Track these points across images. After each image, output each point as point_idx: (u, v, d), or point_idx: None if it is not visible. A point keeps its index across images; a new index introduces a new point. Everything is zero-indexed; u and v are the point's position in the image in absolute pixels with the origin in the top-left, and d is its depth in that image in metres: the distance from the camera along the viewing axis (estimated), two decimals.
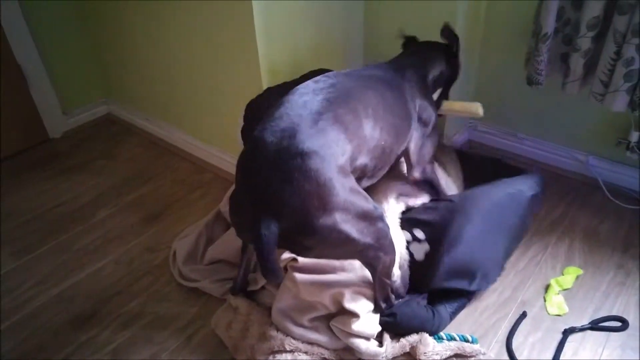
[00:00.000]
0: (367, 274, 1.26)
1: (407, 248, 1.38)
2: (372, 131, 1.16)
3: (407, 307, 1.33)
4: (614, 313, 1.38)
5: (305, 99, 1.09)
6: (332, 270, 1.32)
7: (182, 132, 2.10)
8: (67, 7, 2.18)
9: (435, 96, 1.55)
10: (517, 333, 1.34)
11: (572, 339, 1.32)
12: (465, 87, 1.96)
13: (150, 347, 1.34)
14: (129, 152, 2.21)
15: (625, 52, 1.43)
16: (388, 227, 1.16)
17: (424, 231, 1.38)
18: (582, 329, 1.34)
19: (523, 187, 1.47)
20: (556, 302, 1.41)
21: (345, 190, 1.02)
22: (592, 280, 1.48)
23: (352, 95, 1.15)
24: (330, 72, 1.25)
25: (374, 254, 1.14)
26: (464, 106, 1.59)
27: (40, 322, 1.43)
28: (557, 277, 1.49)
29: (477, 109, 1.54)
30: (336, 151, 1.04)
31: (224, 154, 1.94)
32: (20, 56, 2.10)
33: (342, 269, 1.32)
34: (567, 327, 1.34)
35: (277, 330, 1.31)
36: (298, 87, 1.15)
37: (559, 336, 1.32)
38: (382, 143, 1.19)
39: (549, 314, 1.39)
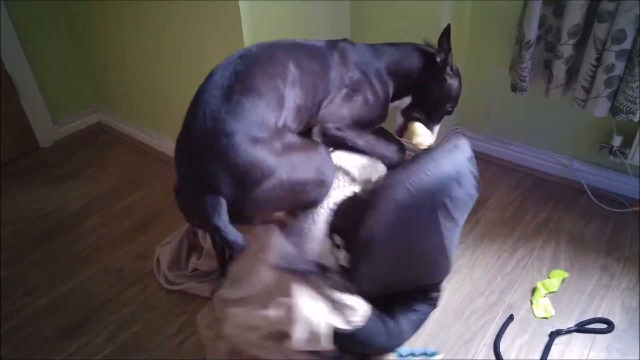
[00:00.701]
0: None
1: (333, 254, 1.23)
2: (287, 92, 1.17)
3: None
4: (599, 315, 1.40)
5: (216, 78, 1.13)
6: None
7: (172, 140, 2.10)
8: (56, 17, 2.19)
9: (402, 103, 1.46)
10: (504, 336, 1.35)
11: (558, 341, 1.34)
12: None
13: (142, 354, 1.35)
14: (119, 160, 2.22)
15: (605, 58, 1.47)
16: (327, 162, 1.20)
17: (340, 236, 1.21)
18: (569, 332, 1.36)
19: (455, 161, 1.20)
20: (543, 305, 1.43)
21: (272, 154, 1.07)
22: (577, 283, 1.51)
23: (262, 61, 1.18)
24: (253, 44, 1.27)
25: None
26: (417, 130, 1.42)
27: (30, 331, 1.43)
28: (544, 280, 1.51)
29: (425, 140, 1.37)
30: (256, 119, 1.08)
31: None
32: (10, 66, 2.10)
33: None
34: (553, 329, 1.36)
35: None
36: (213, 68, 1.19)
37: (546, 339, 1.34)
38: (299, 102, 1.20)
39: (535, 316, 1.41)
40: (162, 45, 1.84)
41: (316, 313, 1.16)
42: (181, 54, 1.79)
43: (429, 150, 1.32)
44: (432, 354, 1.30)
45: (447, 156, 1.20)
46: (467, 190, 1.20)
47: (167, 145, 2.14)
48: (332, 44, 1.35)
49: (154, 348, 1.37)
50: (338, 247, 1.22)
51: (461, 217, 1.23)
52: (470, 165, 1.23)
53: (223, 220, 1.02)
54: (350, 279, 1.21)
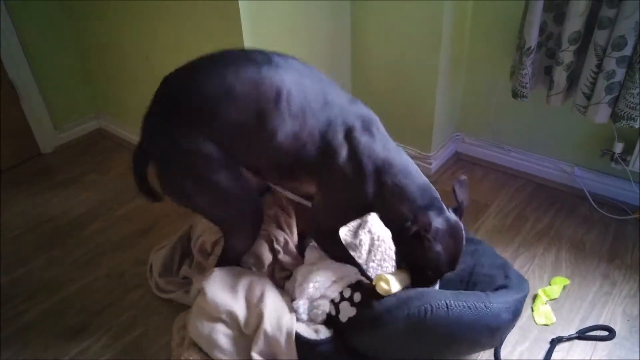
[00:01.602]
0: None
1: (337, 302, 1.23)
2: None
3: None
4: (600, 322, 1.39)
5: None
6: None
7: None
8: (59, 24, 2.20)
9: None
10: (505, 343, 1.34)
11: (559, 348, 1.33)
12: (453, 99, 2.00)
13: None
14: (120, 167, 2.22)
15: (606, 65, 1.47)
16: (248, 210, 1.26)
17: (362, 297, 1.21)
18: (570, 339, 1.35)
19: (506, 306, 1.19)
20: (544, 312, 1.43)
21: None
22: (578, 290, 1.50)
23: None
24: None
25: (227, 230, 1.30)
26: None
27: (32, 335, 1.43)
28: (545, 287, 1.50)
29: (385, 287, 1.18)
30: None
31: None
32: (12, 71, 2.11)
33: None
34: (554, 336, 1.35)
35: (199, 348, 1.29)
36: None
37: (547, 346, 1.34)
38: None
39: (536, 323, 1.41)
40: (163, 51, 1.85)
41: (284, 313, 1.23)
42: (181, 61, 1.79)
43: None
44: None
45: None
46: None
47: None
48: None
49: (154, 353, 1.36)
50: (352, 302, 1.21)
51: None
52: None
53: (139, 169, 1.25)
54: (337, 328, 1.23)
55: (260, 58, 1.14)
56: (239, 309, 1.26)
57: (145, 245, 1.72)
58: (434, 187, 1.22)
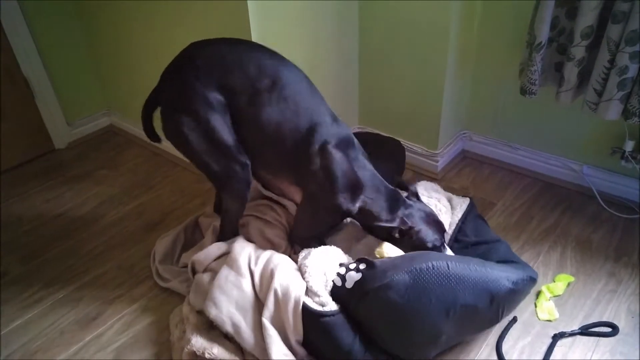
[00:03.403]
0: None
1: (343, 274, 1.28)
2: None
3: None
4: (604, 319, 1.40)
5: None
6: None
7: None
8: (71, 23, 2.26)
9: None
10: (507, 337, 1.36)
11: (561, 343, 1.34)
12: (460, 97, 2.01)
13: (152, 347, 1.39)
14: (130, 163, 2.27)
15: (619, 60, 1.45)
16: (242, 175, 1.37)
17: (367, 265, 1.28)
18: (572, 334, 1.36)
19: (506, 274, 1.26)
20: (546, 308, 1.44)
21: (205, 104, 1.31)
22: (583, 288, 1.51)
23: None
24: None
25: (220, 184, 1.41)
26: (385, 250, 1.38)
27: (48, 322, 1.48)
28: (549, 284, 1.51)
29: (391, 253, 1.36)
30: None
31: None
32: (26, 70, 2.17)
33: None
34: (557, 332, 1.36)
35: (200, 337, 1.31)
36: None
37: (549, 340, 1.35)
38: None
39: (539, 319, 1.41)
40: (173, 49, 1.88)
41: (294, 281, 1.28)
42: None
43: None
44: None
45: None
46: None
47: None
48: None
49: (164, 341, 1.40)
50: (357, 269, 1.27)
51: None
52: None
53: (146, 113, 1.44)
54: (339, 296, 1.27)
55: (272, 52, 1.37)
56: (257, 270, 1.33)
57: (154, 239, 1.76)
58: (398, 190, 1.45)
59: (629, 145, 1.69)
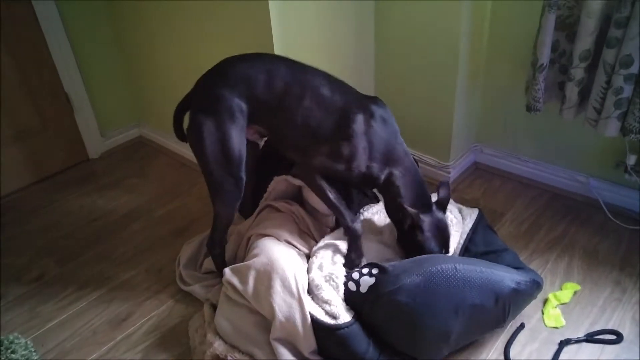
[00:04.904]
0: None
1: (357, 279, 1.34)
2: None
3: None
4: (609, 327, 1.44)
5: None
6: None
7: None
8: (109, 43, 2.43)
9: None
10: (514, 343, 1.42)
11: (567, 350, 1.39)
12: (471, 112, 2.09)
13: (179, 347, 1.48)
14: (158, 172, 2.40)
15: (614, 82, 1.53)
16: (231, 190, 1.45)
17: (379, 270, 1.34)
18: (578, 341, 1.41)
19: (510, 276, 1.36)
20: (553, 315, 1.49)
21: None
22: (589, 296, 1.56)
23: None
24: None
25: (214, 190, 1.49)
26: None
27: (82, 323, 1.59)
28: (555, 292, 1.57)
29: None
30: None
31: None
32: (67, 85, 2.34)
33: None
34: (563, 338, 1.41)
35: (223, 341, 1.37)
36: None
37: (555, 347, 1.40)
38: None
39: (546, 326, 1.47)
40: (199, 65, 2.00)
41: (293, 300, 1.32)
42: None
43: None
44: None
45: None
46: None
47: None
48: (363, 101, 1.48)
49: (189, 341, 1.49)
50: (371, 274, 1.33)
51: None
52: None
53: (176, 116, 1.57)
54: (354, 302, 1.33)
55: (293, 61, 1.49)
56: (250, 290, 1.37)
57: (181, 244, 1.86)
58: (427, 187, 1.49)
59: (631, 160, 1.74)
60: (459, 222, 1.64)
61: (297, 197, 1.67)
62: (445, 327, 1.28)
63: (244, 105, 1.42)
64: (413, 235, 1.43)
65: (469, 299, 1.27)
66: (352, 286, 1.34)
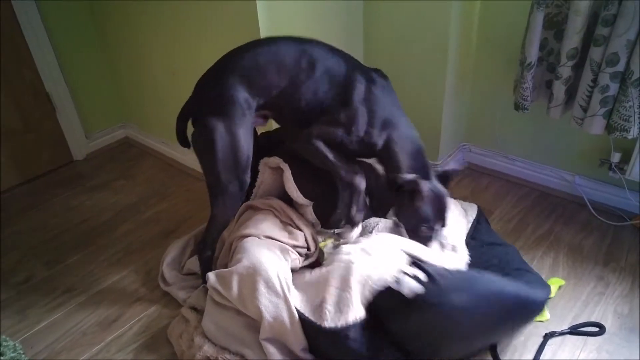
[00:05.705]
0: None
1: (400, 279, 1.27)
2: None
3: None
4: (592, 320, 1.48)
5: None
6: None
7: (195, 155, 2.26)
8: (91, 42, 2.41)
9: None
10: None
11: (552, 342, 1.42)
12: (459, 111, 2.12)
13: (169, 347, 1.47)
14: (146, 173, 2.38)
15: (601, 80, 1.56)
16: (232, 193, 1.41)
17: (427, 275, 1.26)
18: (562, 334, 1.44)
19: (537, 295, 1.37)
20: None
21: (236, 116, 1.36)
22: (573, 291, 1.59)
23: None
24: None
25: (215, 193, 1.43)
26: None
27: (71, 324, 1.57)
28: None
29: None
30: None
31: None
32: (49, 85, 2.30)
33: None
34: (547, 331, 1.44)
35: (213, 343, 1.37)
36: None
37: (540, 340, 1.43)
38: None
39: None
40: (186, 65, 2.01)
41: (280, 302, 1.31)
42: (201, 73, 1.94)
43: None
44: None
45: None
46: None
47: (191, 159, 2.29)
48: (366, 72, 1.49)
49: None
50: (417, 279, 1.24)
51: None
52: None
53: (179, 120, 1.49)
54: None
55: (297, 38, 1.45)
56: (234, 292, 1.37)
57: (170, 245, 1.86)
58: (426, 154, 1.48)
59: (616, 157, 1.79)
60: (461, 213, 1.66)
61: (281, 191, 1.67)
62: (476, 345, 1.34)
63: (252, 99, 1.38)
64: (410, 202, 1.42)
65: (508, 326, 1.35)
66: (394, 284, 1.25)
